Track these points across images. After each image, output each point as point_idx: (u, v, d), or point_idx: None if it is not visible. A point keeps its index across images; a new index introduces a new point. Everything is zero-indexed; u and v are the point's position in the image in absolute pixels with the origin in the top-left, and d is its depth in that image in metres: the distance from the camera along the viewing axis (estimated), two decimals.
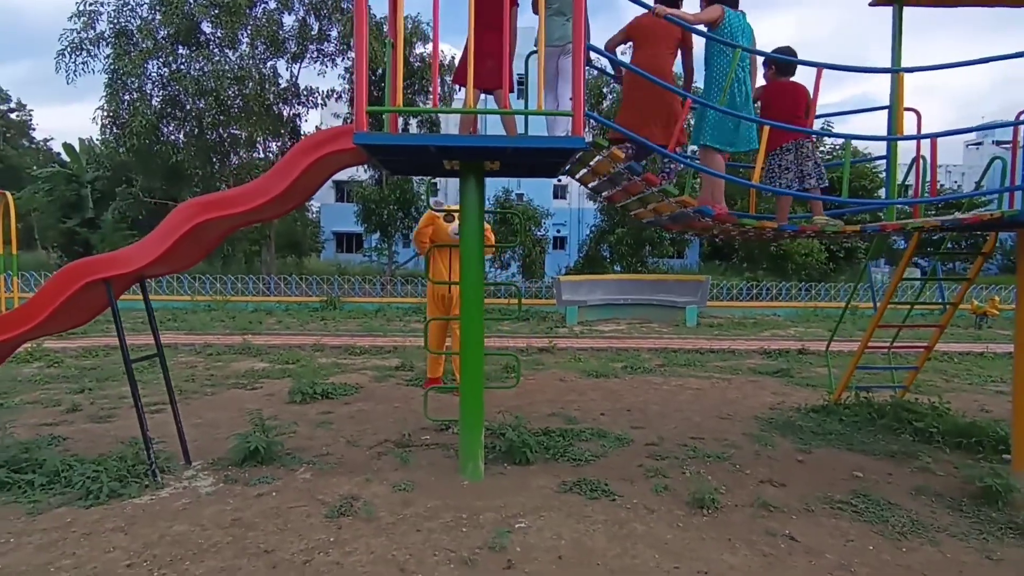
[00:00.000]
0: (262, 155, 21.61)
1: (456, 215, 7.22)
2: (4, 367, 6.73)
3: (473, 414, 4.18)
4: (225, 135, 19.52)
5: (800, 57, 4.47)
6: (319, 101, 21.49)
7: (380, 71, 15.21)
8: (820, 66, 3.99)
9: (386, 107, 3.67)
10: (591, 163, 4.29)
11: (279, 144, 21.60)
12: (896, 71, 4.33)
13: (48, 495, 3.75)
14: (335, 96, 21.38)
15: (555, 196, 35.04)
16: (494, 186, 28.91)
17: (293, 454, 4.55)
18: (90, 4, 18.18)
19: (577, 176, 4.93)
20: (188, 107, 18.78)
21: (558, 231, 30.39)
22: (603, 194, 5.00)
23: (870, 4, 4.84)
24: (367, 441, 4.99)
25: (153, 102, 18.67)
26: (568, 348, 9.99)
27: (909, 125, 4.71)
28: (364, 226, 22.39)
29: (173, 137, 19.52)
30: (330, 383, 6.91)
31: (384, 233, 22.30)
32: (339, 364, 8.59)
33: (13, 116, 47.31)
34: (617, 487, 4.02)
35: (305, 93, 21.18)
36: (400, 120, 6.54)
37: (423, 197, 23.18)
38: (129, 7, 18.38)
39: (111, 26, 18.30)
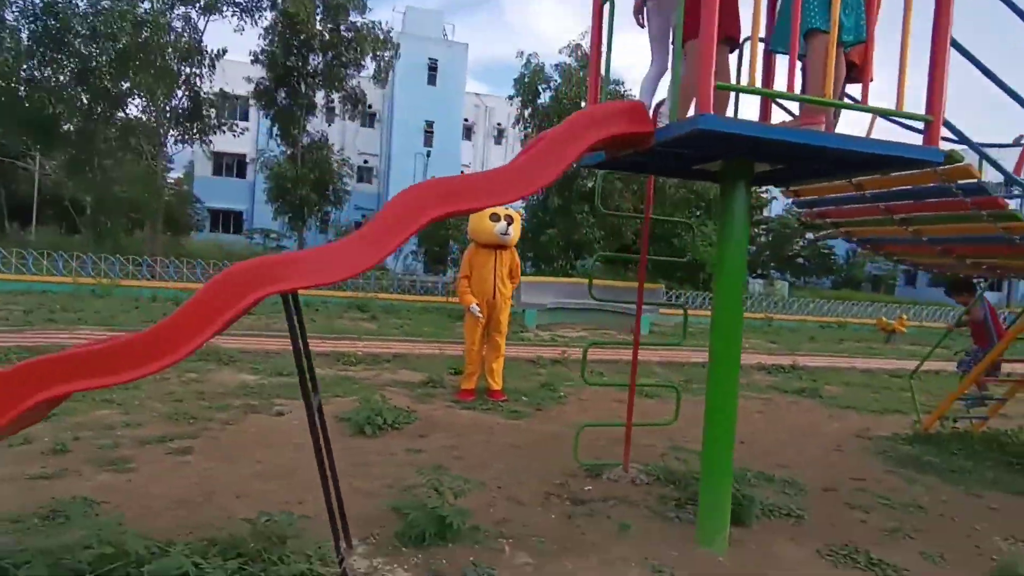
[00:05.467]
0: (147, 114, 18.37)
1: (502, 214, 6.51)
2: None
3: (720, 469, 3.41)
4: (121, 87, 16.34)
5: None
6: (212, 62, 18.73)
7: None
8: None
9: (738, 86, 2.79)
10: None
11: (172, 103, 18.56)
12: None
13: None
14: (252, 57, 18.83)
15: None
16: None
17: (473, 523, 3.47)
18: None
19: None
20: (73, 48, 15.43)
21: None
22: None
23: None
24: (523, 494, 4.00)
25: (21, 35, 15.12)
26: (575, 359, 9.33)
27: None
28: (275, 206, 19.98)
29: (47, 82, 15.97)
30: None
31: (298, 216, 20.07)
32: (349, 377, 7.24)
33: None
34: (881, 553, 3.47)
35: (214, 54, 18.42)
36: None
37: (345, 176, 21.14)
38: None
39: None
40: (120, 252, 17.16)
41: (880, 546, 3.58)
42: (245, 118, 31.15)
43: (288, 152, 20.18)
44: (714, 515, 3.40)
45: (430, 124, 34.78)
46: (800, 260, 43.00)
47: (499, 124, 40.57)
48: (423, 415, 5.87)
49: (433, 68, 33.33)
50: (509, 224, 6.47)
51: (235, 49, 24.54)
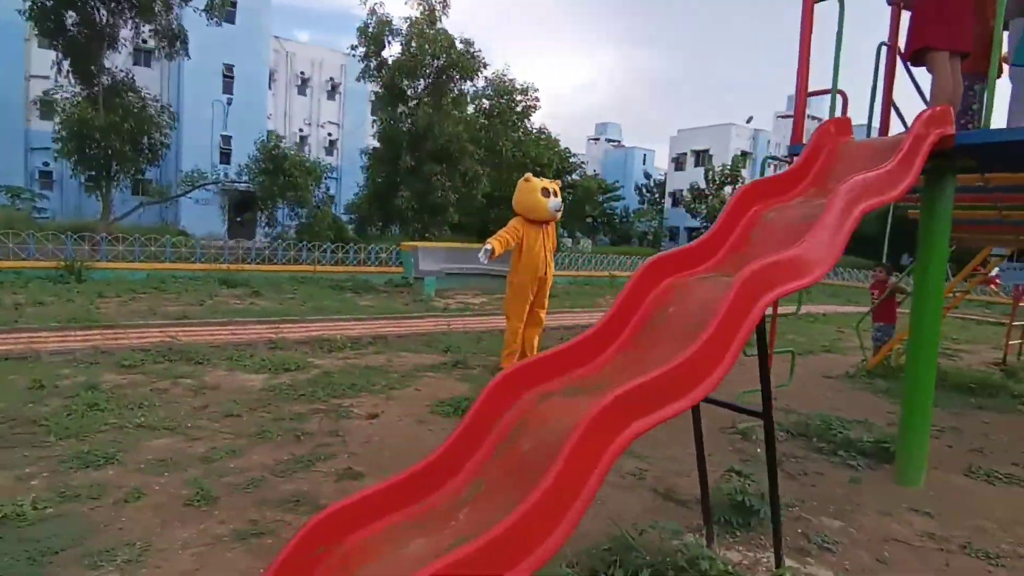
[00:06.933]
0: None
1: (551, 190, 6.49)
2: None
3: (921, 415, 4.04)
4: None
5: None
6: None
7: None
8: None
9: None
10: None
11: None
12: None
13: None
14: None
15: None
16: (250, 131, 24.06)
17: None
18: None
19: None
20: None
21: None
22: None
23: None
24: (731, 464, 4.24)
25: None
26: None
27: None
28: (74, 159, 15.85)
29: None
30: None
31: (104, 173, 16.30)
32: (373, 367, 6.46)
33: None
34: (998, 467, 4.44)
35: None
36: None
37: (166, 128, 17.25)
38: None
39: None
40: None
41: (988, 461, 4.56)
42: None
43: (84, 94, 16.10)
44: (917, 457, 4.04)
45: (229, 68, 30.53)
46: (589, 220, 47.52)
47: (302, 73, 37.21)
48: None
49: (231, 3, 29.02)
50: (559, 200, 6.43)
51: None
